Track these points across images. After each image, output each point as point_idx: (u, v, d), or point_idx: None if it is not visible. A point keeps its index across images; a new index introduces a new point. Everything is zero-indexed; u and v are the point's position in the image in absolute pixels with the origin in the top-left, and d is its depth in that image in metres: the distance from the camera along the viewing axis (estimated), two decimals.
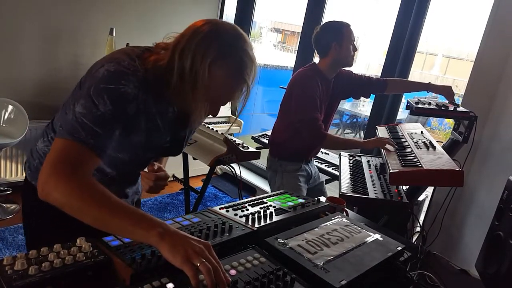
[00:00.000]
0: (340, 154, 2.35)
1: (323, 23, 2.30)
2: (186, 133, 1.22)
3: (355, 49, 2.18)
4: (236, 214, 1.14)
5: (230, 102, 1.08)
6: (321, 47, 2.19)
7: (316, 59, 2.30)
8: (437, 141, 1.94)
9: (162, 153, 1.24)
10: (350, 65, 2.22)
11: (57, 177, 0.88)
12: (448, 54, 7.79)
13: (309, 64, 2.26)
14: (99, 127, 0.94)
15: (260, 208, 1.22)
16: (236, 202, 1.25)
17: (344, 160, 2.23)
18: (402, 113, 4.08)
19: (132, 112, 1.00)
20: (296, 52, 3.65)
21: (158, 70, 0.99)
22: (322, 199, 1.41)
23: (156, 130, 1.11)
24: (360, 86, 2.35)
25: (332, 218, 1.23)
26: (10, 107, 2.74)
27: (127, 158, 1.13)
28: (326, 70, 2.19)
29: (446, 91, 2.12)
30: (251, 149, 2.53)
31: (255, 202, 1.27)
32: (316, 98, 2.11)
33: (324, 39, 2.16)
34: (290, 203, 1.29)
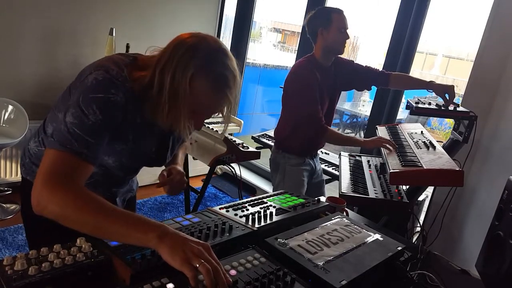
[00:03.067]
0: (340, 154, 2.35)
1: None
2: (170, 144, 1.21)
3: (346, 37, 2.12)
4: (236, 214, 1.14)
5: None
6: (310, 33, 2.18)
7: None
8: (437, 141, 1.94)
9: (148, 163, 1.22)
10: (341, 52, 2.18)
11: (51, 190, 0.87)
12: (448, 54, 7.79)
13: (307, 55, 2.23)
14: (90, 136, 0.94)
15: (260, 208, 1.22)
16: (236, 202, 1.25)
17: (344, 160, 2.23)
18: (402, 113, 4.08)
19: (120, 120, 1.00)
20: (296, 52, 3.65)
21: (141, 87, 0.99)
22: (322, 199, 1.41)
23: (141, 140, 1.11)
24: (362, 77, 2.30)
25: (332, 218, 1.23)
26: (10, 107, 2.74)
27: (111, 162, 1.12)
28: (321, 58, 2.16)
29: (446, 91, 1.98)
30: (251, 149, 2.53)
31: (255, 202, 1.27)
32: (314, 90, 2.08)
33: (312, 25, 2.14)
34: (290, 203, 1.29)
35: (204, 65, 0.94)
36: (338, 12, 2.11)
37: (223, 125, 3.66)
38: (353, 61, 2.34)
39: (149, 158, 1.19)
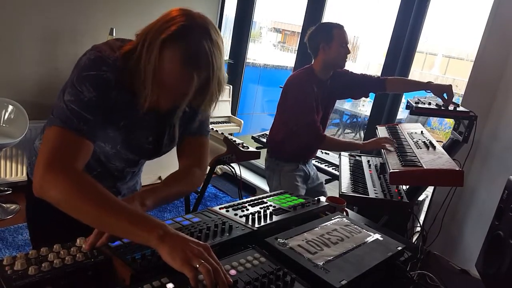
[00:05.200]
0: (340, 154, 2.35)
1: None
2: (166, 132, 1.18)
3: (347, 52, 2.15)
4: (236, 214, 1.14)
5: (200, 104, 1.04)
6: (311, 48, 2.20)
7: None
8: (437, 141, 1.94)
9: (146, 155, 1.20)
10: (341, 67, 2.22)
11: (54, 173, 0.88)
12: (448, 54, 7.78)
13: (305, 67, 2.26)
14: (88, 113, 0.95)
15: (260, 208, 1.22)
16: (236, 202, 1.25)
17: (344, 160, 2.23)
18: (402, 113, 4.08)
19: (113, 100, 1.01)
20: (296, 52, 3.65)
21: (126, 55, 0.99)
22: (322, 199, 1.41)
23: (135, 129, 1.10)
24: (357, 86, 2.33)
25: (332, 218, 1.23)
26: (10, 107, 2.74)
27: (108, 149, 1.12)
28: (319, 71, 2.19)
29: (445, 91, 1.97)
30: (251, 149, 2.53)
31: (255, 202, 1.27)
32: (311, 101, 2.12)
33: (314, 40, 2.17)
34: (290, 203, 1.29)
35: (178, 34, 0.91)
36: (339, 27, 2.14)
37: (223, 124, 3.67)
38: (348, 70, 2.35)
39: (146, 149, 1.17)
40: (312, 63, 2.23)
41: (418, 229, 2.08)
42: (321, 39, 2.13)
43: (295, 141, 2.22)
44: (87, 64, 0.98)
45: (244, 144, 2.51)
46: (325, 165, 2.75)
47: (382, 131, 2.23)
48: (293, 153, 2.28)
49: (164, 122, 1.16)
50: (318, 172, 2.57)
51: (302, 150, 2.30)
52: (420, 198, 2.25)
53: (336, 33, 2.12)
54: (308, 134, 2.14)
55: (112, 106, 1.02)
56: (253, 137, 3.04)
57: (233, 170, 2.48)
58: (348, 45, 2.16)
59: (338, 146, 2.29)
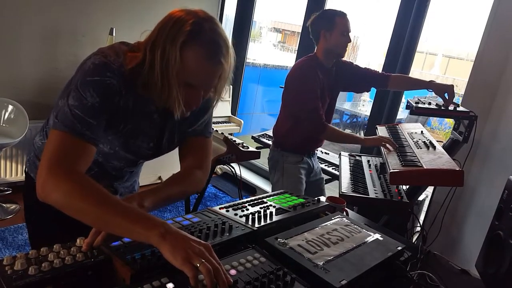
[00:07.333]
0: (340, 153, 2.35)
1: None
2: (166, 135, 1.18)
3: (348, 40, 2.15)
4: (236, 214, 1.14)
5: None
6: (313, 34, 2.20)
7: None
8: (437, 141, 1.94)
9: (144, 157, 1.21)
10: (342, 55, 2.21)
11: (57, 177, 0.88)
12: (448, 54, 7.78)
13: (309, 54, 2.26)
14: (92, 118, 0.96)
15: (260, 208, 1.22)
16: (236, 202, 1.25)
17: (344, 160, 2.23)
18: (402, 113, 4.07)
19: (116, 105, 1.01)
20: (296, 52, 3.65)
21: (133, 67, 0.99)
22: (322, 198, 1.41)
23: (135, 132, 1.10)
24: (361, 79, 2.33)
25: (332, 218, 1.23)
26: (10, 107, 2.74)
27: (107, 150, 1.12)
28: (322, 58, 2.19)
29: (446, 91, 1.97)
30: (251, 148, 2.53)
31: (255, 202, 1.27)
32: (315, 88, 2.11)
33: (315, 26, 2.17)
34: (290, 203, 1.29)
35: (194, 32, 0.93)
36: (342, 16, 2.13)
37: (223, 124, 3.68)
38: (352, 63, 2.36)
39: (145, 153, 1.18)
40: (315, 50, 2.23)
41: (418, 229, 2.08)
42: (323, 26, 2.13)
43: (299, 132, 2.21)
44: (91, 68, 0.97)
45: (244, 144, 2.51)
46: (325, 165, 2.75)
47: (382, 131, 2.23)
48: (298, 144, 2.27)
49: (166, 126, 1.16)
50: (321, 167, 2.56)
51: (306, 141, 2.28)
52: (420, 198, 2.25)
53: (338, 21, 2.11)
54: (310, 121, 2.13)
55: (114, 111, 1.02)
56: (253, 137, 3.04)
57: (233, 170, 2.48)
58: (349, 33, 2.15)
59: (339, 137, 2.28)
